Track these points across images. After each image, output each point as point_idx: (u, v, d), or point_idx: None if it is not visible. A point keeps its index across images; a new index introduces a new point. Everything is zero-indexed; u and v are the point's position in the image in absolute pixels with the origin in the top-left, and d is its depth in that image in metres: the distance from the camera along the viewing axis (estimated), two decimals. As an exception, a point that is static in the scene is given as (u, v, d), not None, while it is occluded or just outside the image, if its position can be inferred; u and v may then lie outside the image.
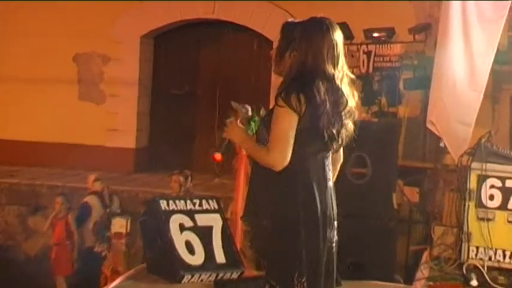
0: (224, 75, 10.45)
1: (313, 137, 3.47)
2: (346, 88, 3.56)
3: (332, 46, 3.51)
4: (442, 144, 6.58)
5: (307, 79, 3.43)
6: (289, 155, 3.38)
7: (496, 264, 5.40)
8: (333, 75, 3.50)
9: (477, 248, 5.48)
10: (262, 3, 10.12)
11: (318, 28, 3.53)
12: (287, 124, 3.38)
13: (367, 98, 8.43)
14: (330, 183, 3.61)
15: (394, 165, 6.66)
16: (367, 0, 9.22)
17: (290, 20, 3.68)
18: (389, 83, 8.35)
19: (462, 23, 6.06)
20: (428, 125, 6.23)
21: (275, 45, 3.65)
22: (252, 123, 3.98)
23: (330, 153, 3.60)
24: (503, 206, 5.50)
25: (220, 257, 5.47)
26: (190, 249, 5.47)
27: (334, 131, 3.50)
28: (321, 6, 8.88)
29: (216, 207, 5.89)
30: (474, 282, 5.18)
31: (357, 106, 3.62)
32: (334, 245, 3.62)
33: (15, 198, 9.49)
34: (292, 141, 3.39)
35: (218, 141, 3.76)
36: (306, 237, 3.46)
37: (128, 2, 10.50)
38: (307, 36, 3.50)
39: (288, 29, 3.57)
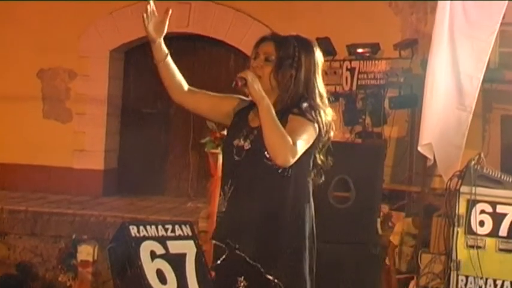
0: (199, 92, 10.39)
1: (313, 155, 3.73)
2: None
3: (319, 64, 3.77)
4: (429, 164, 6.61)
5: (314, 97, 3.70)
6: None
7: (486, 295, 5.43)
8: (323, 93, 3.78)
9: (467, 277, 5.51)
10: (240, 16, 10.16)
11: (312, 45, 3.77)
12: (310, 138, 3.60)
13: (350, 118, 8.48)
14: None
15: (378, 189, 6.68)
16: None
17: (272, 33, 3.86)
18: (374, 101, 8.40)
19: (449, 40, 6.12)
20: (421, 149, 6.25)
21: (258, 59, 3.74)
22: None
23: None
24: (494, 233, 5.54)
25: (193, 286, 5.46)
26: (162, 278, 5.47)
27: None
28: (302, 20, 9.04)
29: (190, 233, 5.89)
30: (464, 314, 5.20)
31: (335, 123, 3.85)
32: None
33: (-28, 223, 9.42)
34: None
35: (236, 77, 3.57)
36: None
37: (97, 12, 10.51)
38: (307, 53, 3.73)
39: (284, 44, 3.72)
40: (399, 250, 7.00)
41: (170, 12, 3.69)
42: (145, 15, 3.67)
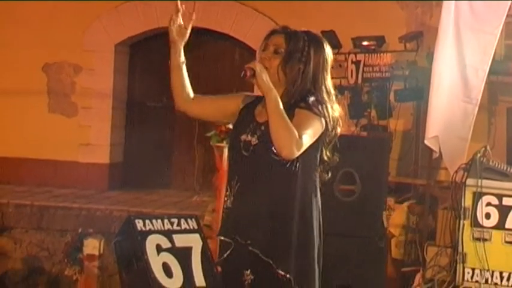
0: (204, 86, 10.36)
1: (320, 150, 3.73)
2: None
3: (328, 61, 3.79)
4: (435, 156, 6.61)
5: (321, 93, 3.71)
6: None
7: (492, 287, 5.43)
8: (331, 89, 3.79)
9: (473, 269, 5.52)
10: (245, 9, 10.16)
11: (322, 42, 3.79)
12: (317, 132, 3.60)
13: (355, 111, 8.46)
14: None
15: (384, 182, 6.69)
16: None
17: (283, 26, 3.84)
18: (380, 94, 8.38)
19: (455, 32, 6.12)
20: (427, 142, 6.25)
21: (268, 51, 3.75)
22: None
23: None
24: (500, 225, 5.55)
25: (199, 279, 5.47)
26: (168, 271, 5.47)
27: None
28: (307, 13, 9.02)
29: (196, 226, 5.89)
30: (470, 306, 5.21)
31: (343, 120, 3.86)
32: None
33: (-22, 217, 9.43)
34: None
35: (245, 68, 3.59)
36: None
37: (102, 7, 10.51)
38: (316, 49, 3.74)
39: (294, 37, 3.74)
40: (404, 241, 7.01)
41: (194, 17, 3.76)
42: (174, 16, 3.83)
